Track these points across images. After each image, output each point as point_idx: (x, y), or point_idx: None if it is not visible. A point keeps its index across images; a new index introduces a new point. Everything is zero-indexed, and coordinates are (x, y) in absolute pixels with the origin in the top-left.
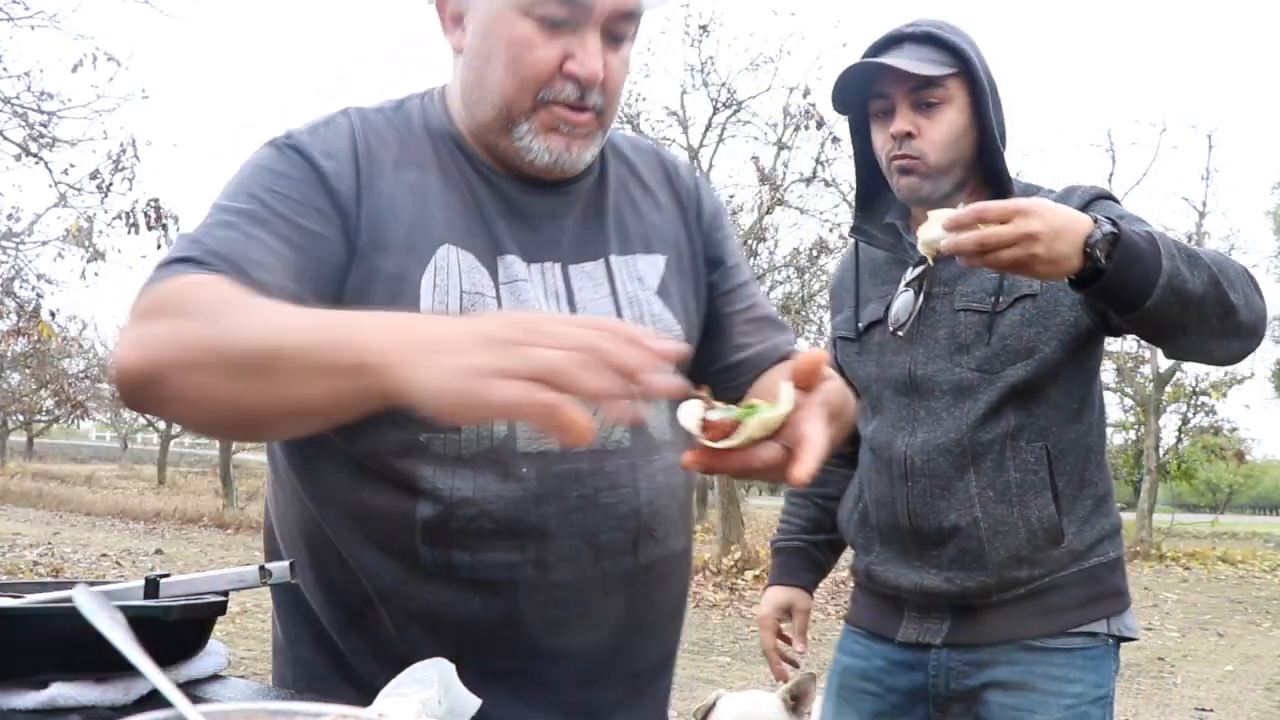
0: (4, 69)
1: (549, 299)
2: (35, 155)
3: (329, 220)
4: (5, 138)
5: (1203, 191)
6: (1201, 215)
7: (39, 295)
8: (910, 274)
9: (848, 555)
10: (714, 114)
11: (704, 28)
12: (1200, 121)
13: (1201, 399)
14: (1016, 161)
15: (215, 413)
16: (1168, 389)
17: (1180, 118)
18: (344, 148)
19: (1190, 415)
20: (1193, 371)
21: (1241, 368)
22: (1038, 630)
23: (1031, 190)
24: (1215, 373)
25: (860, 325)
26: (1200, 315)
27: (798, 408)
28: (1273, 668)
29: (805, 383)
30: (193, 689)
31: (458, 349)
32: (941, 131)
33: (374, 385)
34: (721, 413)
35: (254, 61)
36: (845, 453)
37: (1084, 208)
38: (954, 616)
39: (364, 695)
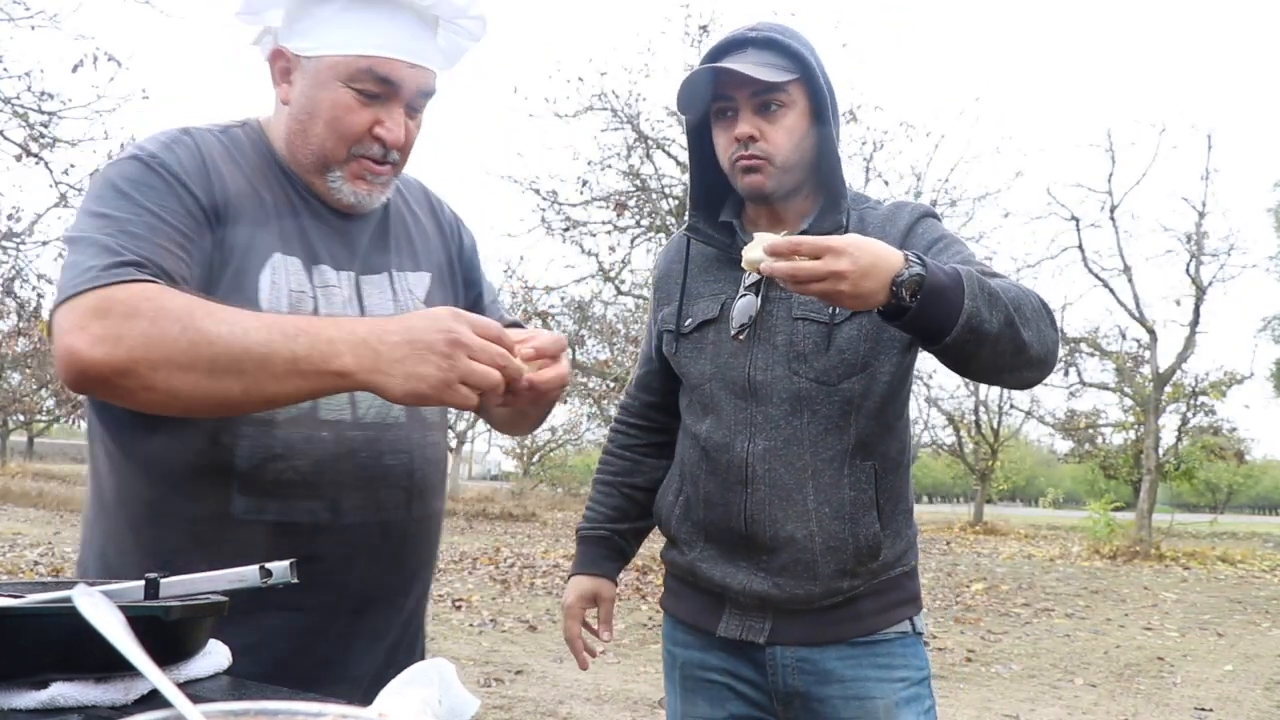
0: (4, 69)
1: (347, 304)
2: (36, 156)
3: (200, 226)
4: (6, 138)
5: (1202, 191)
6: (1201, 215)
7: (39, 295)
8: (749, 278)
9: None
10: None
11: (704, 28)
12: (1200, 121)
13: (1201, 399)
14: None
15: (190, 404)
16: (1167, 389)
17: (1180, 117)
18: (197, 165)
19: (1190, 415)
20: (1192, 372)
21: (1241, 368)
22: (851, 633)
23: (860, 201)
24: (1215, 373)
25: (687, 321)
26: (994, 351)
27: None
28: (1272, 667)
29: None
30: (193, 688)
31: (411, 357)
32: (783, 135)
33: (347, 385)
34: None
35: (256, 64)
36: (658, 443)
37: (910, 227)
38: (776, 618)
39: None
